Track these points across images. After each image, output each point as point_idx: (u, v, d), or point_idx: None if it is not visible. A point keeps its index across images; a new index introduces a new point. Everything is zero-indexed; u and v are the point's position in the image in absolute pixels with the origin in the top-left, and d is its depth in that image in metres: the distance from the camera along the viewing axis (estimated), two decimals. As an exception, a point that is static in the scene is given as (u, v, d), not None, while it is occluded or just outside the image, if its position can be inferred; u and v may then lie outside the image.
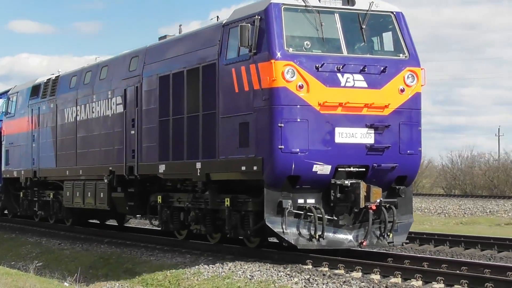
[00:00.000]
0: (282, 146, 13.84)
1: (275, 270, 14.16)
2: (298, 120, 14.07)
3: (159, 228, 20.34)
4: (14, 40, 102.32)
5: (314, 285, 12.51)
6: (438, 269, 13.47)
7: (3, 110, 28.85)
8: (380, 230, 14.74)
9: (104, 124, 21.25)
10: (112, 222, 27.35)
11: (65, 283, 16.27)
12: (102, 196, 20.98)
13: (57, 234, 25.71)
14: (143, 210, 20.09)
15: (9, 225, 29.89)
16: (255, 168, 14.33)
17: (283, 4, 14.42)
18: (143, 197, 19.71)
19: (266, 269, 14.39)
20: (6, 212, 30.93)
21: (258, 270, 14.43)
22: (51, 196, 25.70)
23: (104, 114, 21.15)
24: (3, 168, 28.34)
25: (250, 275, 14.10)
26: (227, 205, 15.76)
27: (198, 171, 16.42)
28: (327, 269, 14.00)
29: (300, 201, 14.26)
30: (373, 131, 14.64)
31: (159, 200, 18.74)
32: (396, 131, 14.81)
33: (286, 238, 14.26)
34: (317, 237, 14.14)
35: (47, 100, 25.17)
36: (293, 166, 14.00)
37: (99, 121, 21.60)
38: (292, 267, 14.18)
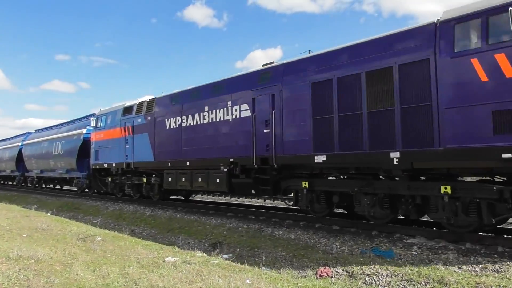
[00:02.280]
0: None
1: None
2: None
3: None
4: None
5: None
6: None
7: (93, 125, 17.29)
8: None
9: (222, 126, 10.75)
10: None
11: (48, 213, 13.43)
12: (218, 181, 10.49)
13: (46, 194, 20.92)
14: (275, 192, 9.64)
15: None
16: None
17: None
18: (275, 183, 9.47)
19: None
20: (87, 190, 18.89)
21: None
22: (144, 180, 14.26)
23: (222, 119, 10.50)
24: (91, 162, 16.90)
25: None
26: (446, 191, 6.42)
27: (395, 160, 6.91)
28: None
29: None
30: None
31: (305, 185, 8.80)
32: None
33: None
34: None
35: (142, 115, 14.03)
36: None
37: (212, 125, 11.05)
38: None
